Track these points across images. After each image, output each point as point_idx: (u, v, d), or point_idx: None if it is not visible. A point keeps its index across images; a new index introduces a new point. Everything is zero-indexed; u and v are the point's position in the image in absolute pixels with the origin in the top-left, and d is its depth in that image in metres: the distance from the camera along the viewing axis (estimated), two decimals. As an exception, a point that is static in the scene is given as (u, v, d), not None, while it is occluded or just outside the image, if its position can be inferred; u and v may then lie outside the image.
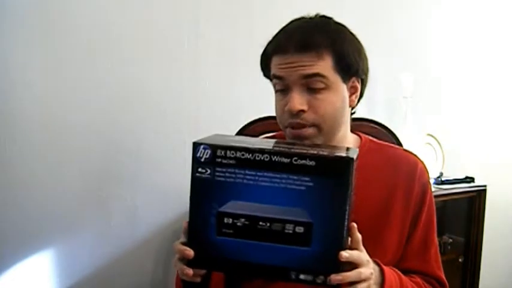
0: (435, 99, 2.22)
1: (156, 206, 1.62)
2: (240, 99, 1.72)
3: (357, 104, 1.05)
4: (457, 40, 2.28)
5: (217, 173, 0.80)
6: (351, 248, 0.83)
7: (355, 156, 0.79)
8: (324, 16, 1.03)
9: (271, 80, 1.03)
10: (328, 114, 0.96)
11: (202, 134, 0.86)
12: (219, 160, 0.80)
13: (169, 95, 1.62)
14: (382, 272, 0.91)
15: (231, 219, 0.81)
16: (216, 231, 0.81)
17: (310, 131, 0.96)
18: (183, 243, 0.85)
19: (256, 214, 0.80)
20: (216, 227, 0.81)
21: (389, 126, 1.40)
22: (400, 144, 1.34)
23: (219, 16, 1.68)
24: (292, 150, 0.80)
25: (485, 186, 2.07)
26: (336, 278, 0.79)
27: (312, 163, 0.78)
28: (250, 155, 0.79)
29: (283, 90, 0.98)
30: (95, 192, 1.54)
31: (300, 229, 0.79)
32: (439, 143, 2.11)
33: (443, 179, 2.03)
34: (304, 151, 0.79)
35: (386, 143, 1.19)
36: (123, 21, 1.53)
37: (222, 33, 1.69)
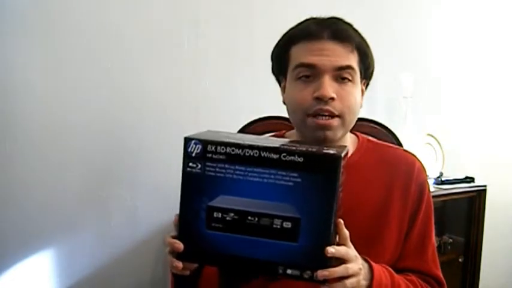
0: (435, 99, 2.23)
1: (156, 206, 1.62)
2: (240, 99, 1.72)
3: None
4: (457, 40, 2.28)
5: (208, 168, 0.82)
6: (338, 244, 0.83)
7: (343, 154, 0.81)
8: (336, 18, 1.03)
9: (281, 72, 1.02)
10: (352, 107, 0.98)
11: (202, 134, 0.86)
12: (210, 155, 0.82)
13: (169, 95, 1.62)
14: (371, 269, 0.91)
15: (220, 214, 0.82)
16: (205, 225, 0.83)
17: (336, 122, 0.96)
18: (174, 237, 0.86)
19: (245, 209, 0.82)
20: (205, 221, 0.83)
21: (389, 126, 1.40)
22: (400, 144, 1.34)
23: (219, 16, 1.68)
24: (281, 146, 0.81)
25: (485, 186, 2.07)
26: (322, 273, 0.80)
27: (300, 159, 0.79)
28: (240, 150, 0.81)
29: (307, 77, 0.97)
30: (95, 192, 1.54)
31: (287, 224, 0.81)
32: (439, 143, 2.11)
33: (443, 179, 2.03)
34: (294, 148, 0.81)
35: (384, 143, 1.19)
36: (123, 21, 1.53)
37: (222, 33, 1.69)
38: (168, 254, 0.87)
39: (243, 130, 1.36)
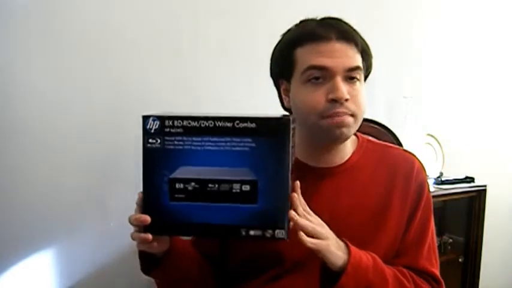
0: (435, 99, 2.23)
1: (156, 206, 1.62)
2: (240, 99, 1.72)
3: None
4: (457, 40, 2.28)
5: (167, 142, 0.87)
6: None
7: (291, 117, 0.85)
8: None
9: (284, 75, 1.02)
10: (362, 106, 0.99)
11: (202, 134, 0.86)
12: (168, 129, 0.86)
13: (169, 94, 1.62)
14: (348, 248, 0.91)
15: (182, 184, 0.86)
16: (169, 197, 0.87)
17: (350, 119, 0.98)
18: None
19: (205, 177, 0.85)
20: (168, 193, 0.87)
21: (389, 126, 1.40)
22: (400, 144, 1.35)
23: (219, 16, 1.68)
24: (234, 115, 0.85)
25: (485, 186, 2.07)
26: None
27: (253, 125, 0.83)
28: (196, 122, 0.85)
29: (317, 79, 0.97)
30: (95, 192, 1.54)
31: (246, 187, 0.84)
32: (439, 143, 2.11)
33: (443, 179, 2.03)
34: (246, 116, 0.84)
35: (384, 143, 1.19)
36: (123, 21, 1.53)
37: (222, 32, 1.69)
38: (134, 232, 0.89)
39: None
